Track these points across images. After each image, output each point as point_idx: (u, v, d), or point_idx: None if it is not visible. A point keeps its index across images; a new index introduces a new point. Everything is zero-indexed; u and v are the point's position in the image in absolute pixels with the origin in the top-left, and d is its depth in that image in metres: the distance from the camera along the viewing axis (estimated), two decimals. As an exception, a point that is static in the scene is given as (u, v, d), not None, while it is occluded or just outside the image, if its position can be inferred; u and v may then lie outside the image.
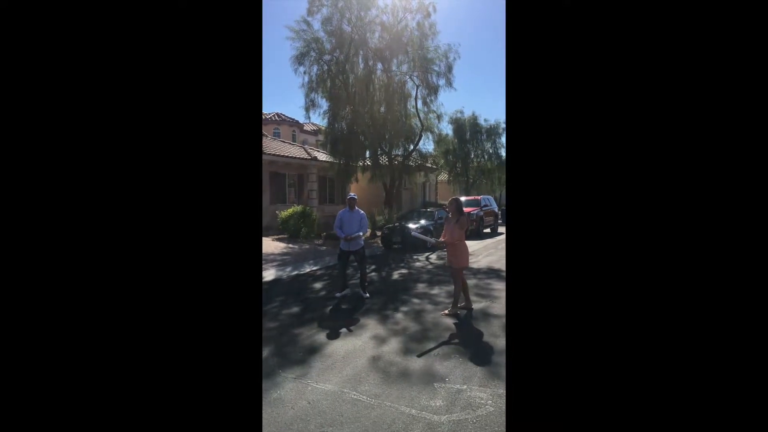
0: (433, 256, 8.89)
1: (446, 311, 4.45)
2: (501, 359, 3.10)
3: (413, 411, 2.36)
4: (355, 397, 2.55)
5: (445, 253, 4.76)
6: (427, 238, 5.35)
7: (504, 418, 2.24)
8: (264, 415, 2.34)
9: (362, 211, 5.51)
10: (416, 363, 3.09)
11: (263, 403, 2.48)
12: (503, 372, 2.84)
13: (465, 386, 2.67)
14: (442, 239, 4.61)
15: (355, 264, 5.62)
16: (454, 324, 4.08)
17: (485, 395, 2.54)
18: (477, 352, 3.31)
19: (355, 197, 5.55)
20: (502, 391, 2.58)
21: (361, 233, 5.37)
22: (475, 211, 13.01)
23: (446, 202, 4.98)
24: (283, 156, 14.73)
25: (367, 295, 5.34)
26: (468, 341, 3.57)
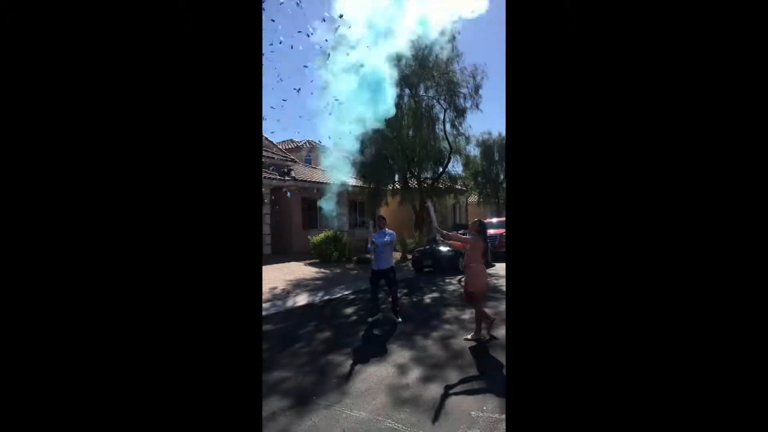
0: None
1: (468, 336, 4.38)
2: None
3: (448, 441, 2.32)
4: (391, 425, 2.53)
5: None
6: (435, 226, 4.84)
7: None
8: (299, 443, 2.35)
9: (391, 231, 5.62)
10: (450, 390, 3.03)
11: (298, 430, 2.50)
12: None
13: (503, 416, 2.60)
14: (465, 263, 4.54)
15: (386, 288, 5.63)
16: (484, 348, 3.99)
17: (523, 426, 2.46)
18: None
19: (384, 217, 5.65)
20: (541, 422, 2.49)
21: (387, 239, 5.45)
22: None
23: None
24: (315, 182, 15.08)
25: (400, 319, 5.32)
26: (501, 369, 3.48)
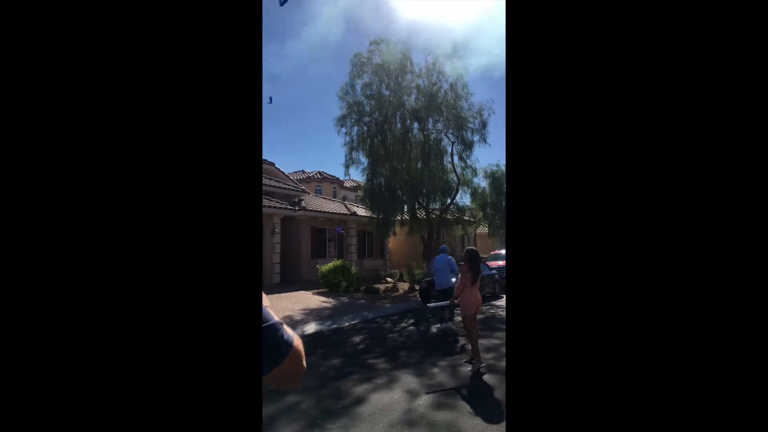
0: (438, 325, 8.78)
1: (470, 368, 4.45)
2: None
3: (446, 464, 2.40)
4: (390, 448, 2.62)
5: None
6: (443, 303, 5.57)
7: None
8: (303, 463, 2.45)
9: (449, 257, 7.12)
10: (450, 416, 3.11)
11: (302, 451, 2.60)
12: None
13: (499, 441, 2.67)
14: (455, 295, 4.74)
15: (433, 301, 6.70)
16: (484, 373, 4.05)
17: (520, 451, 2.53)
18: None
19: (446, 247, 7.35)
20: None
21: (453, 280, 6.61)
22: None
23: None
24: (324, 212, 15.36)
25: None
26: (501, 395, 3.54)
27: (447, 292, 6.43)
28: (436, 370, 4.46)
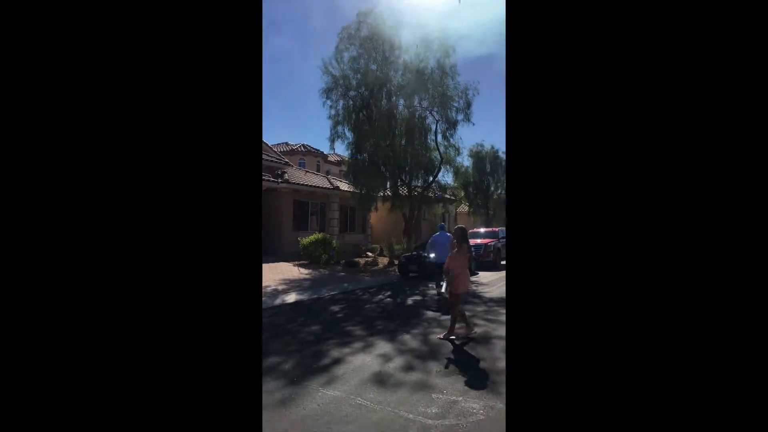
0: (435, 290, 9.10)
1: (440, 336, 4.69)
2: (497, 378, 3.35)
3: (410, 415, 2.65)
4: (360, 402, 2.86)
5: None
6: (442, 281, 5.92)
7: (495, 426, 2.50)
8: (276, 414, 2.67)
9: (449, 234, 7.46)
10: (417, 377, 3.37)
11: (277, 402, 2.82)
12: (498, 388, 3.09)
13: (461, 398, 2.94)
14: (445, 268, 4.93)
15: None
16: (458, 345, 4.33)
17: (478, 406, 2.81)
18: (476, 371, 3.56)
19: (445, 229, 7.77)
20: (494, 403, 2.83)
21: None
22: (493, 243, 13.19)
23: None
24: (307, 185, 15.39)
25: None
26: (469, 361, 3.82)
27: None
28: (408, 336, 4.72)
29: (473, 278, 10.31)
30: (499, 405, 2.81)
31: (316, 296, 7.66)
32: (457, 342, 4.49)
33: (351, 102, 13.59)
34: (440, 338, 4.64)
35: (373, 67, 13.17)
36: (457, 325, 4.76)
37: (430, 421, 2.57)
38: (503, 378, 3.33)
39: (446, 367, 3.65)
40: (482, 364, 3.75)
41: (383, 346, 4.31)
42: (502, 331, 4.94)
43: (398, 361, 3.81)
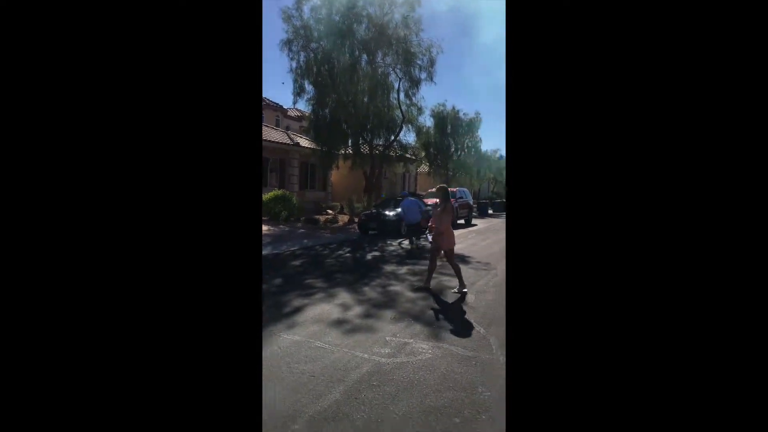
0: (406, 242, 9.45)
1: (455, 290, 4.92)
2: (445, 324, 3.67)
3: (365, 355, 2.90)
4: (319, 345, 3.08)
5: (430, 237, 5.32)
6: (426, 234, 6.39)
7: (440, 362, 2.79)
8: (243, 355, 2.85)
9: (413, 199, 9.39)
10: (373, 323, 3.63)
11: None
12: (445, 333, 3.41)
13: (411, 340, 3.22)
14: (430, 224, 5.22)
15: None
16: (416, 295, 4.63)
17: (427, 346, 3.10)
18: (428, 317, 3.87)
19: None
20: (441, 344, 3.14)
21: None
22: (452, 203, 13.59)
23: (434, 190, 5.70)
24: (266, 140, 15.01)
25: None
26: (422, 309, 4.13)
27: (415, 226, 8.76)
28: (366, 288, 4.98)
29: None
30: (446, 345, 3.12)
31: (276, 251, 7.76)
32: (424, 293, 4.80)
33: (312, 54, 13.15)
34: (418, 288, 4.95)
35: (336, 18, 12.70)
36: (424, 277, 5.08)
37: (383, 360, 2.83)
38: (452, 325, 3.68)
39: (400, 314, 3.94)
40: (433, 313, 4.06)
41: (342, 297, 4.53)
42: (454, 282, 5.29)
43: (357, 310, 4.05)
